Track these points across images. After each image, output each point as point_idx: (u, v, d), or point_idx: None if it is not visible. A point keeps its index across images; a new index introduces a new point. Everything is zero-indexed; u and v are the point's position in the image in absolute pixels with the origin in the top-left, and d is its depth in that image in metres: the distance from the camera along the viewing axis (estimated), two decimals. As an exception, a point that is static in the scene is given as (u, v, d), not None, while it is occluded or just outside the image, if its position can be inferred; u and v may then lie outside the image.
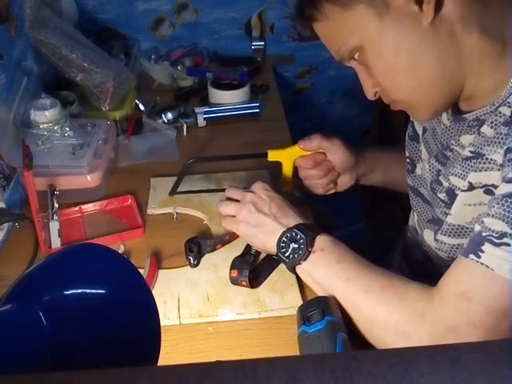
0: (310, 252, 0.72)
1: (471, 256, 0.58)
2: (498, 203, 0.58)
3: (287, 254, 0.73)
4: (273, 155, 0.91)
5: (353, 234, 1.19)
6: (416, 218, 0.84)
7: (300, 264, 0.72)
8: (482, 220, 0.60)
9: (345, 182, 0.94)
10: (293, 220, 0.76)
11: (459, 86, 0.66)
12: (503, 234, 0.56)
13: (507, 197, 0.57)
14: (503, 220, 0.56)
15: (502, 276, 0.55)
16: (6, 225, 0.92)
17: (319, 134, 0.88)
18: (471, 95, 0.67)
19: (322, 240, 0.73)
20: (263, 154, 0.91)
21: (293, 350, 0.68)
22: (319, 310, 0.65)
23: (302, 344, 0.65)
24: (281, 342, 0.72)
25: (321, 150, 0.89)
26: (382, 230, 1.22)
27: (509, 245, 0.55)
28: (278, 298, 0.78)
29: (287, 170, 0.92)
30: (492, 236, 0.57)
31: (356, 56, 0.68)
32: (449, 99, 0.67)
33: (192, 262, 0.84)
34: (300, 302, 0.75)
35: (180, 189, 0.99)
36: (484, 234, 0.58)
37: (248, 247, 0.84)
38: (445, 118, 0.75)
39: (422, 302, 0.61)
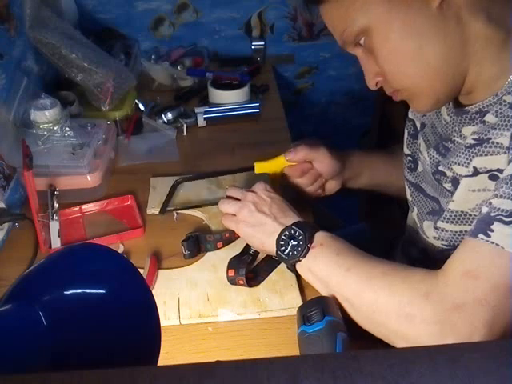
0: (309, 248, 0.71)
1: (480, 236, 0.58)
2: (507, 183, 0.58)
3: (286, 251, 0.73)
4: (259, 168, 0.90)
5: (353, 234, 1.19)
6: (416, 211, 0.84)
7: (300, 261, 0.72)
8: (489, 201, 0.60)
9: (332, 187, 0.95)
10: (292, 220, 0.76)
11: (462, 73, 0.66)
12: None
13: None
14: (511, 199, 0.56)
15: (509, 252, 0.55)
16: (6, 225, 0.92)
17: (304, 145, 0.88)
18: (473, 86, 0.67)
19: (320, 235, 0.73)
20: (250, 167, 0.91)
21: (293, 350, 0.68)
22: (319, 310, 0.65)
23: (302, 344, 0.65)
24: (281, 342, 0.72)
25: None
26: (383, 230, 1.22)
27: None
28: (278, 298, 0.77)
29: (274, 180, 0.90)
30: (502, 215, 0.57)
31: (362, 41, 0.67)
32: (451, 88, 0.67)
33: (184, 251, 0.85)
34: (300, 302, 0.75)
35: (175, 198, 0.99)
36: (493, 214, 0.58)
37: (247, 247, 0.84)
38: (445, 113, 0.76)
39: (426, 282, 0.61)
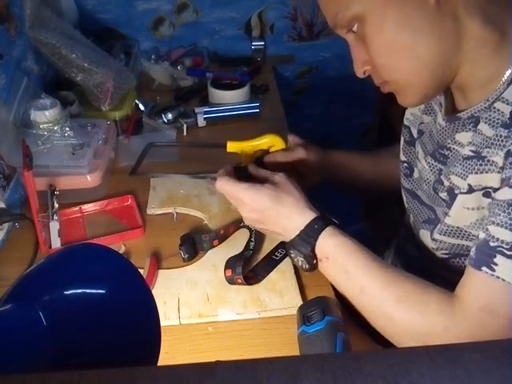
0: (316, 264, 0.72)
1: (484, 269, 0.58)
2: (505, 211, 0.57)
3: (299, 264, 0.73)
4: (232, 146, 0.90)
5: (353, 234, 1.19)
6: (412, 219, 0.84)
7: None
8: (486, 227, 0.59)
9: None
10: (287, 233, 0.74)
11: (453, 70, 0.65)
12: None
13: None
14: (511, 230, 0.56)
15: None
16: (6, 225, 0.92)
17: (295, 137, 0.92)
18: (464, 84, 0.67)
19: (323, 247, 0.71)
20: (223, 145, 0.90)
21: (293, 350, 0.68)
22: (319, 310, 0.65)
23: (302, 344, 0.65)
24: (281, 342, 0.72)
25: (284, 148, 0.90)
26: (382, 230, 1.21)
27: None
28: (278, 297, 0.77)
29: (245, 162, 0.90)
30: (502, 247, 0.57)
31: (354, 28, 0.65)
32: (440, 83, 0.67)
33: (183, 255, 0.85)
34: (300, 302, 0.75)
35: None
36: (493, 245, 0.58)
37: (248, 244, 0.85)
38: (440, 119, 0.75)
39: (444, 315, 0.61)
